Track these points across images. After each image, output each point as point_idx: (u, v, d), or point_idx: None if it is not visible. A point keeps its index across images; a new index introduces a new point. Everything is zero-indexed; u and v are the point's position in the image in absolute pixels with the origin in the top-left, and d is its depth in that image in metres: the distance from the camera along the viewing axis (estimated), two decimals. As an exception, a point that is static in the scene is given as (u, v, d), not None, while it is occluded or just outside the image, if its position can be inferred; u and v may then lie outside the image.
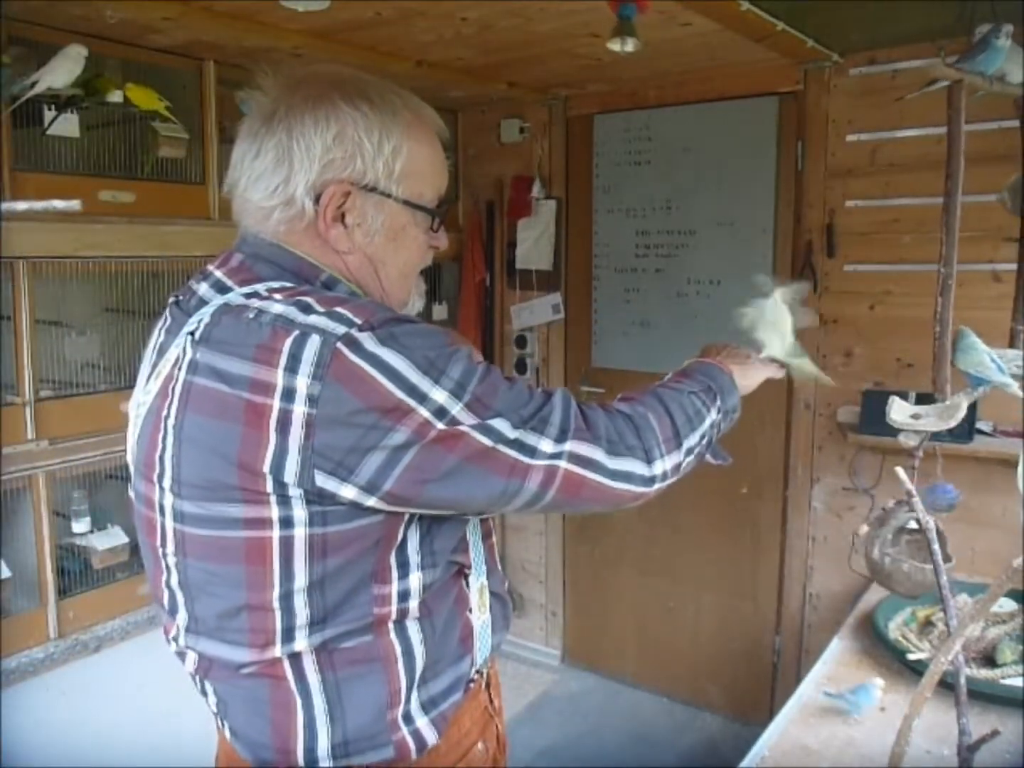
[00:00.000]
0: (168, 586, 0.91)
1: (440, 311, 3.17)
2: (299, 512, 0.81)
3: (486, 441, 0.83)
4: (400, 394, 0.79)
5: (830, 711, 1.46)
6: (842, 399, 2.53)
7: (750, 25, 2.00)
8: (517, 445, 0.84)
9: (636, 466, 0.92)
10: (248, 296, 0.86)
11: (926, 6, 1.87)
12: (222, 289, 0.90)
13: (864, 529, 1.33)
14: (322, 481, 0.79)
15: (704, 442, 1.03)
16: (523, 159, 3.10)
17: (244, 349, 0.80)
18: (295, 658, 0.86)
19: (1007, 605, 1.70)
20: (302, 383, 0.78)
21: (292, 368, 0.78)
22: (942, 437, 2.23)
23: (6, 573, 1.85)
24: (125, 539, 2.04)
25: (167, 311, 0.97)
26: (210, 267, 0.95)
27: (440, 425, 0.80)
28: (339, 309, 0.82)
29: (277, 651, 0.86)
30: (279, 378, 0.78)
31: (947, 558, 1.26)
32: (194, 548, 0.86)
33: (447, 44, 2.19)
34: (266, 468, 0.79)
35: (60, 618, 1.94)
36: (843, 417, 2.52)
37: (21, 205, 0.69)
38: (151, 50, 2.10)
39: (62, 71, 1.80)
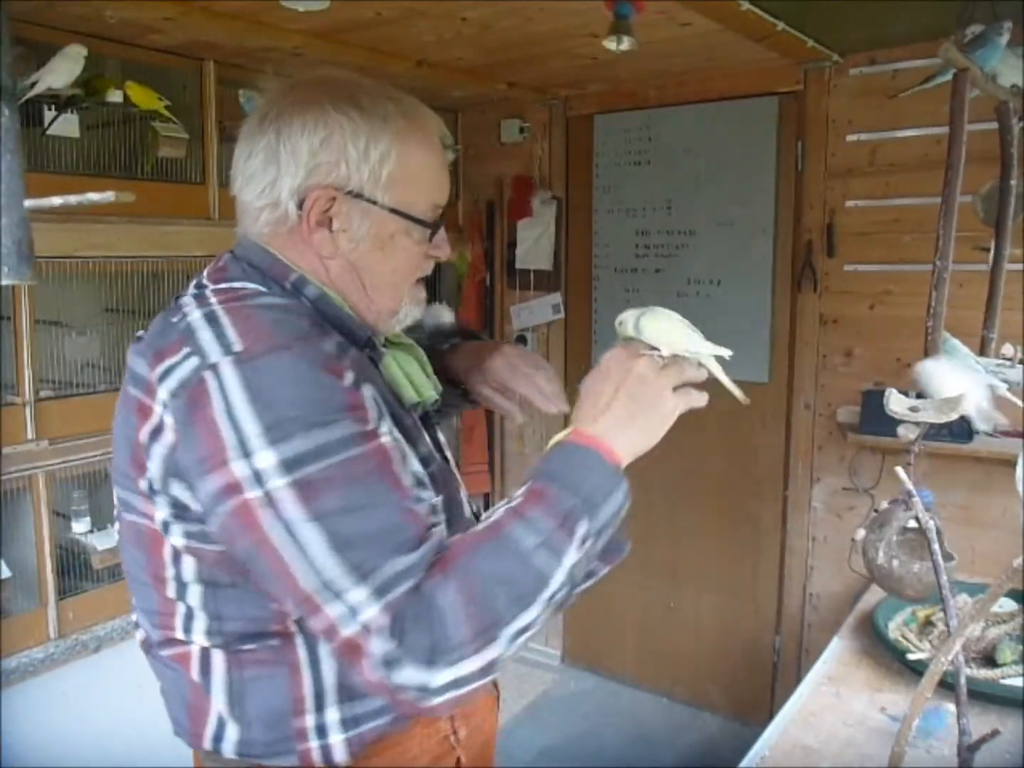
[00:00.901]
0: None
1: (440, 311, 3.17)
2: (171, 512, 0.84)
3: (286, 547, 0.75)
4: (227, 442, 0.76)
5: (830, 710, 1.46)
6: (842, 399, 2.53)
7: (750, 25, 2.00)
8: (320, 576, 0.74)
9: (408, 673, 0.74)
10: (196, 296, 0.88)
11: (926, 6, 1.87)
12: (198, 286, 0.92)
13: (861, 533, 1.30)
14: (177, 491, 0.82)
15: (555, 601, 0.80)
16: (523, 159, 3.10)
17: (149, 351, 0.85)
18: (205, 652, 0.88)
19: (1007, 605, 1.70)
20: (166, 395, 0.81)
21: (163, 379, 0.81)
22: (943, 437, 2.24)
23: (6, 573, 1.85)
24: (125, 539, 2.04)
25: None
26: (208, 266, 0.97)
27: (247, 494, 0.75)
28: (229, 330, 0.81)
29: (184, 639, 0.89)
30: (157, 386, 0.82)
31: (948, 556, 1.24)
32: (123, 532, 0.92)
33: (447, 44, 2.19)
34: (147, 465, 0.83)
35: (60, 618, 1.94)
36: (843, 417, 2.52)
37: (56, 200, 0.69)
38: (151, 50, 2.10)
39: (62, 71, 1.79)
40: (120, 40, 2.02)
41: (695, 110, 2.71)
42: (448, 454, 1.06)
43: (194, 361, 0.80)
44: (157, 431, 0.81)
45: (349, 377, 0.82)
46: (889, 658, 1.59)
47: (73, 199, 0.65)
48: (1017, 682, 1.47)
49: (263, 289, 0.90)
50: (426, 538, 0.78)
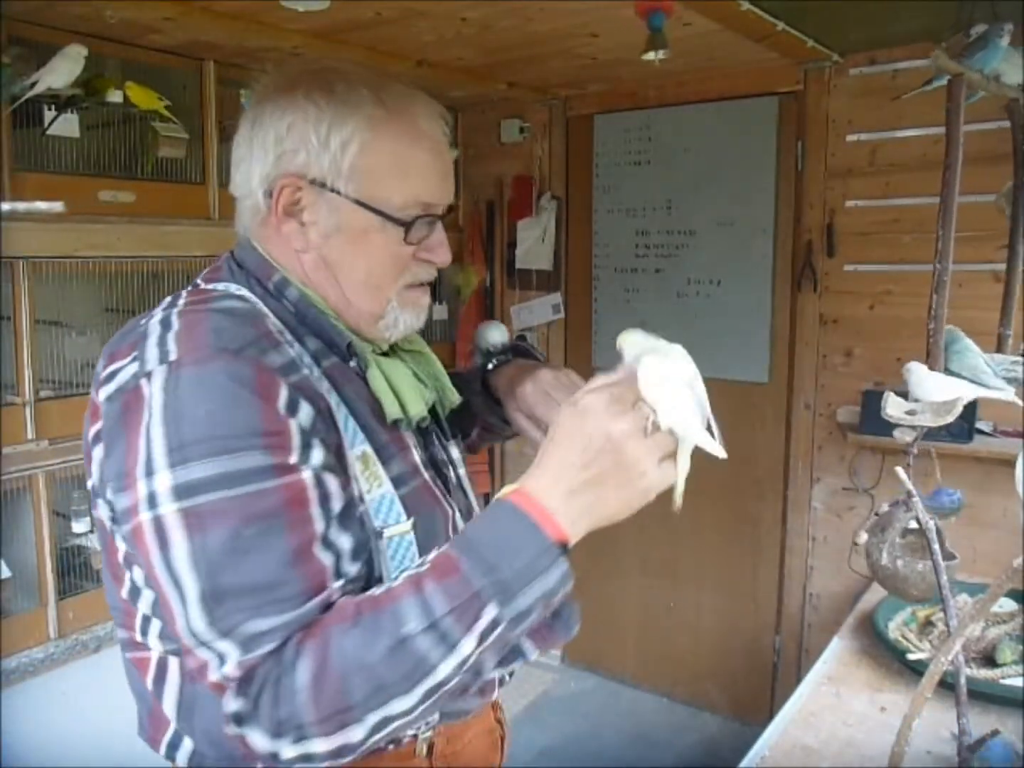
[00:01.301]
0: None
1: (440, 311, 3.17)
2: (109, 517, 0.82)
3: (165, 583, 0.72)
4: (140, 457, 0.73)
5: (830, 710, 1.46)
6: (842, 399, 2.53)
7: (750, 25, 2.00)
8: (188, 622, 0.71)
9: (256, 737, 0.70)
10: (173, 297, 0.86)
11: (926, 6, 1.87)
12: (191, 286, 0.90)
13: (863, 537, 1.30)
14: (111, 495, 0.78)
15: (448, 690, 0.72)
16: (523, 159, 3.10)
17: (108, 350, 0.83)
18: (162, 659, 0.86)
19: (1007, 605, 1.70)
20: (104, 399, 0.79)
21: (107, 382, 0.79)
22: (942, 437, 2.24)
23: (6, 573, 1.85)
24: (125, 539, 2.04)
25: None
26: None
27: (141, 515, 0.72)
28: (172, 336, 0.77)
29: (142, 642, 0.86)
30: (100, 388, 0.80)
31: (950, 555, 1.24)
32: (95, 525, 0.91)
33: (447, 44, 2.19)
34: (91, 468, 0.83)
35: (60, 618, 1.94)
36: (843, 417, 2.52)
37: (4, 206, 0.70)
38: (151, 50, 2.10)
39: (62, 71, 1.80)
40: (120, 40, 2.02)
41: (695, 110, 2.71)
42: (460, 471, 1.00)
43: (134, 367, 0.77)
44: (97, 436, 0.80)
45: (282, 397, 0.75)
46: (889, 658, 1.59)
47: (21, 207, 0.64)
48: (1017, 682, 1.47)
49: (234, 291, 0.86)
50: (313, 593, 0.71)
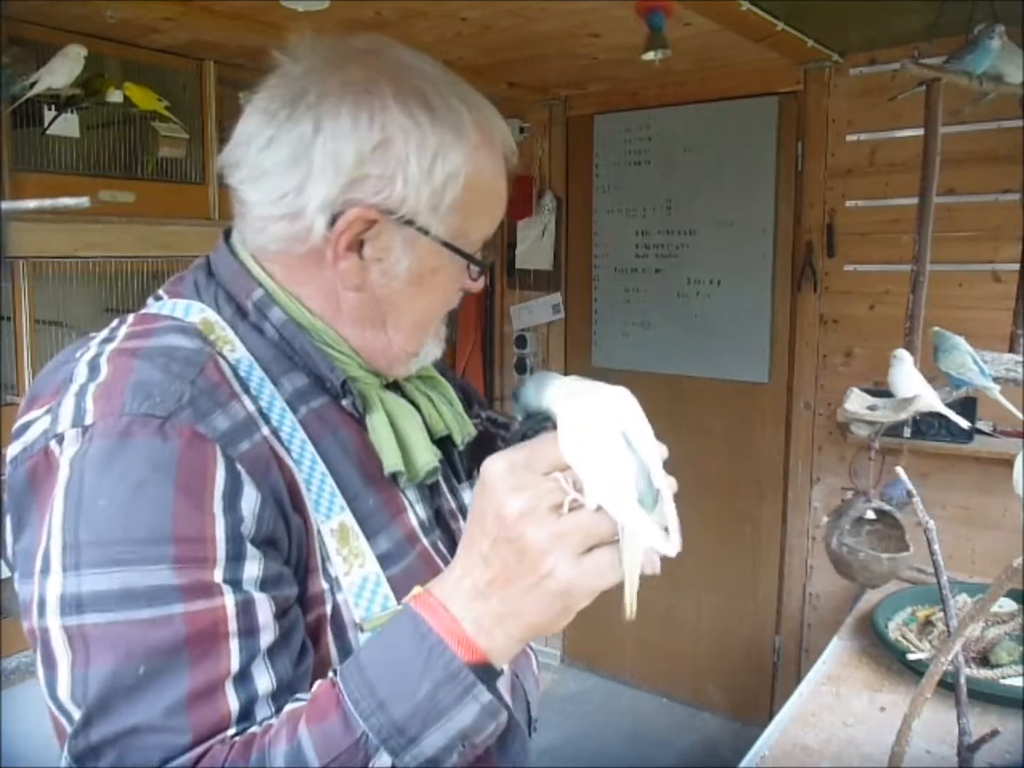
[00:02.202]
0: None
1: (440, 311, 3.17)
2: None
3: (47, 702, 0.60)
4: (38, 547, 0.60)
5: (829, 710, 1.46)
6: (842, 399, 2.52)
7: (750, 25, 2.00)
8: (70, 740, 0.58)
9: None
10: (118, 323, 0.72)
11: (926, 6, 1.87)
12: (154, 299, 0.77)
13: (824, 520, 1.35)
14: (16, 578, 0.65)
15: None
16: (523, 159, 3.08)
17: (31, 390, 0.69)
18: None
19: (1007, 605, 1.70)
20: (9, 459, 0.64)
21: (17, 435, 0.65)
22: (942, 437, 2.24)
23: (6, 573, 1.85)
24: (125, 539, 2.04)
25: None
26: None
27: (31, 619, 0.60)
28: (92, 389, 0.63)
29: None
30: (12, 441, 0.66)
31: (905, 547, 1.29)
32: None
33: (447, 44, 2.19)
34: None
35: (60, 618, 1.94)
36: (843, 417, 2.52)
37: (30, 203, 0.67)
38: (151, 50, 2.10)
39: (62, 71, 1.80)
40: (120, 40, 2.02)
41: (695, 110, 2.71)
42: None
43: (46, 422, 0.63)
44: (3, 503, 0.65)
45: (218, 483, 0.60)
46: (889, 658, 1.59)
47: (47, 203, 0.62)
48: (1017, 682, 1.47)
49: (184, 316, 0.71)
50: (198, 743, 0.57)
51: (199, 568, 0.59)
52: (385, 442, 0.73)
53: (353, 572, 0.68)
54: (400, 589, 0.67)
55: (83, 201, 0.59)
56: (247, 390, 0.67)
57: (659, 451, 0.56)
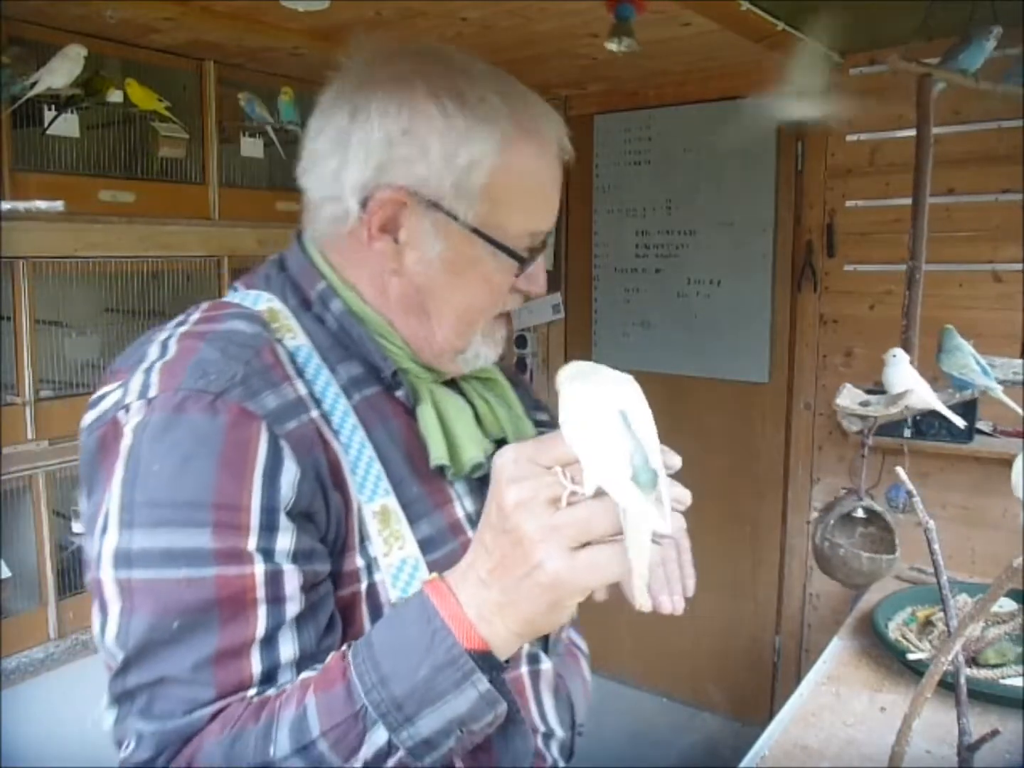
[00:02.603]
0: None
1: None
2: None
3: (96, 637, 0.67)
4: (100, 508, 0.66)
5: (830, 710, 1.46)
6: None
7: (750, 25, 2.00)
8: (112, 680, 0.65)
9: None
10: (194, 308, 0.77)
11: (926, 6, 1.87)
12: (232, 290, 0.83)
13: (814, 515, 1.36)
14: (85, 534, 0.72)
15: None
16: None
17: (112, 364, 0.75)
18: None
19: (1007, 605, 1.70)
20: (84, 427, 0.71)
21: (93, 406, 0.71)
22: (943, 437, 2.24)
23: (6, 573, 1.85)
24: (125, 539, 2.04)
25: None
26: None
27: (91, 571, 0.67)
28: (160, 365, 0.68)
29: None
30: (88, 411, 0.72)
31: (892, 548, 1.30)
32: None
33: (447, 44, 2.19)
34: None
35: (60, 618, 1.94)
36: (837, 408, 2.52)
37: (5, 205, 0.69)
38: (151, 50, 2.09)
39: (62, 71, 1.79)
40: (120, 40, 2.02)
41: (695, 110, 2.71)
42: None
43: (118, 395, 0.68)
44: (80, 466, 0.72)
45: (260, 458, 0.64)
46: (889, 658, 1.59)
47: (21, 206, 0.64)
48: (1017, 682, 1.47)
49: (252, 304, 0.76)
50: (218, 699, 0.61)
51: (234, 535, 0.63)
52: (432, 434, 0.75)
53: (392, 554, 0.70)
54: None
55: (57, 204, 0.60)
56: (301, 375, 0.72)
57: (654, 435, 0.55)
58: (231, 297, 0.79)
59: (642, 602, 0.55)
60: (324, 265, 0.78)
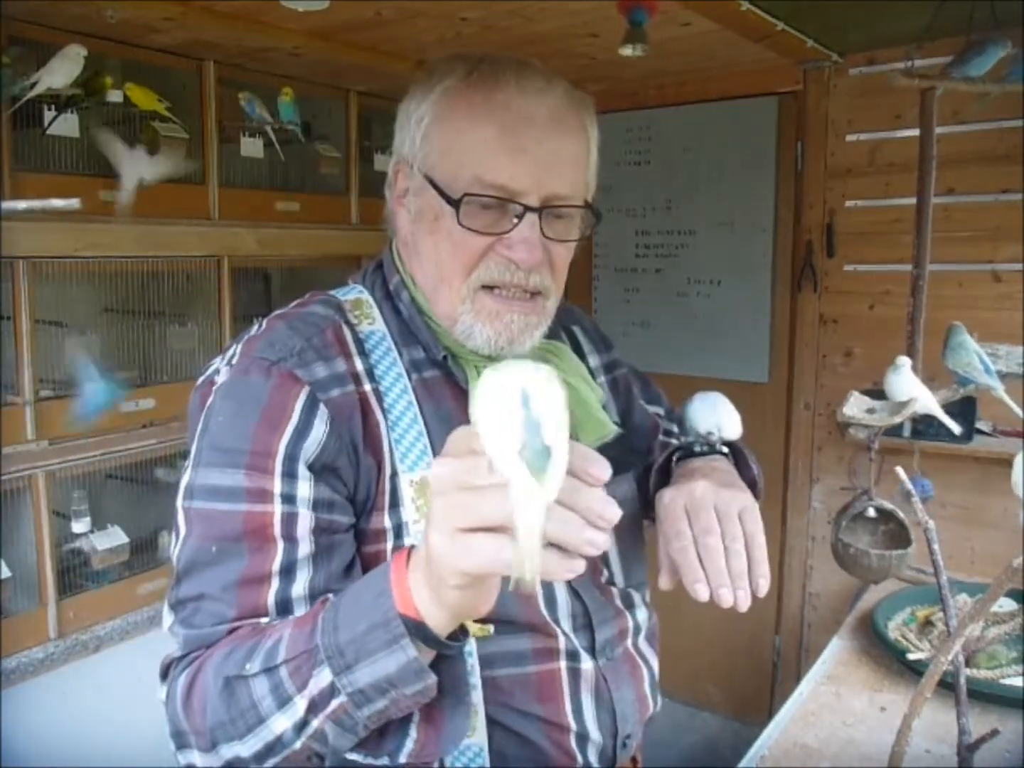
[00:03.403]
0: None
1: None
2: None
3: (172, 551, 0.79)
4: (191, 445, 0.80)
5: (829, 710, 1.46)
6: (842, 399, 2.52)
7: (750, 25, 2.00)
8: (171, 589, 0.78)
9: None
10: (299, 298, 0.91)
11: (926, 6, 1.87)
12: None
13: (812, 513, 1.40)
14: None
15: (293, 750, 0.65)
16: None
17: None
18: None
19: (1007, 605, 1.70)
20: (196, 383, 0.84)
21: (201, 373, 0.85)
22: (943, 437, 2.24)
23: (6, 573, 1.85)
24: (125, 539, 2.04)
25: None
26: None
27: (180, 500, 0.78)
28: (244, 340, 0.82)
29: None
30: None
31: (907, 542, 1.31)
32: None
33: (448, 44, 2.19)
34: None
35: (60, 618, 1.94)
36: (842, 418, 2.52)
37: (21, 204, 0.69)
38: (151, 50, 2.09)
39: (62, 71, 1.79)
40: (120, 40, 2.02)
41: (695, 110, 2.71)
42: None
43: (218, 361, 0.83)
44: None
45: (293, 418, 0.75)
46: (889, 658, 1.59)
47: (37, 204, 0.64)
48: (1017, 682, 1.47)
49: (334, 297, 0.88)
50: (237, 619, 0.72)
51: (262, 477, 0.74)
52: None
53: (423, 522, 0.76)
54: None
55: (73, 203, 0.60)
56: (366, 354, 0.82)
57: (563, 415, 0.52)
58: (337, 289, 0.91)
59: (527, 576, 0.52)
60: (399, 263, 0.89)
